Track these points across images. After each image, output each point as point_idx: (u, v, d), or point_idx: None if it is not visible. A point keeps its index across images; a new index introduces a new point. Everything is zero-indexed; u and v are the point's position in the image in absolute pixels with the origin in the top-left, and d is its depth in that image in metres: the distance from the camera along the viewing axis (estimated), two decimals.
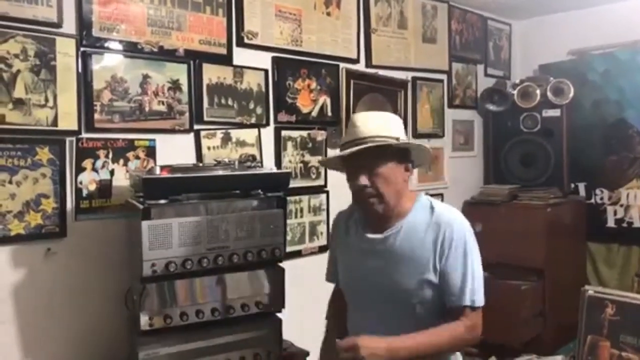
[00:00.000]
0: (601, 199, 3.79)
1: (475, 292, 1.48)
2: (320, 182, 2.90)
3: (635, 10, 3.60)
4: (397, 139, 1.48)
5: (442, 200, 3.59)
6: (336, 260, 1.73)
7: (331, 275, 1.78)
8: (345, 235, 1.68)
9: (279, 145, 2.70)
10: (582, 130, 3.73)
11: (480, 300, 1.50)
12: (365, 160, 1.47)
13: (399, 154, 1.51)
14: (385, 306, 1.53)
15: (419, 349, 1.42)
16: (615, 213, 3.74)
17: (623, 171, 3.70)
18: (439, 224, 1.51)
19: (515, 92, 3.72)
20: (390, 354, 1.37)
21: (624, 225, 3.70)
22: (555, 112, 3.62)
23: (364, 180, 1.48)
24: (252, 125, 2.58)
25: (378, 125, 1.49)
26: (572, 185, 3.83)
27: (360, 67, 3.09)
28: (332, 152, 2.96)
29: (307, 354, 2.35)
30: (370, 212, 1.55)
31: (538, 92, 3.63)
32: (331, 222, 2.90)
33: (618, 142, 3.70)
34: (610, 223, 3.75)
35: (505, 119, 3.79)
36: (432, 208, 1.55)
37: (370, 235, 1.58)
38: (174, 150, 2.29)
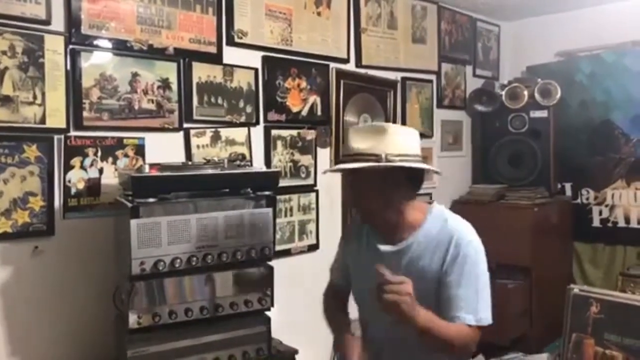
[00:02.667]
0: (587, 199, 3.84)
1: (480, 310, 1.47)
2: (310, 181, 2.91)
3: (622, 12, 3.65)
4: (384, 156, 1.43)
5: (431, 199, 3.62)
6: (345, 265, 1.75)
7: (336, 274, 1.82)
8: (357, 244, 1.68)
9: (269, 145, 2.71)
10: (569, 131, 3.77)
11: (486, 319, 1.48)
12: (348, 176, 1.54)
13: (391, 169, 1.46)
14: (393, 319, 1.47)
15: (432, 326, 1.39)
16: (600, 213, 3.79)
17: (609, 172, 3.75)
18: (450, 237, 1.49)
19: (503, 92, 3.76)
20: (414, 312, 1.34)
21: (609, 225, 3.75)
22: (543, 113, 3.66)
23: (351, 195, 1.56)
24: (241, 124, 2.58)
25: (369, 143, 1.46)
26: (559, 186, 3.88)
27: (350, 67, 3.10)
28: (322, 152, 2.97)
29: (296, 352, 2.36)
30: (371, 224, 1.61)
31: (526, 93, 3.66)
32: (322, 222, 2.93)
33: (604, 143, 3.75)
34: (596, 223, 3.80)
35: (494, 120, 3.82)
36: (445, 220, 1.53)
37: (381, 247, 1.57)
38: (163, 149, 2.28)
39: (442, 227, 1.51)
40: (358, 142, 1.47)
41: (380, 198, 1.50)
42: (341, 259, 1.79)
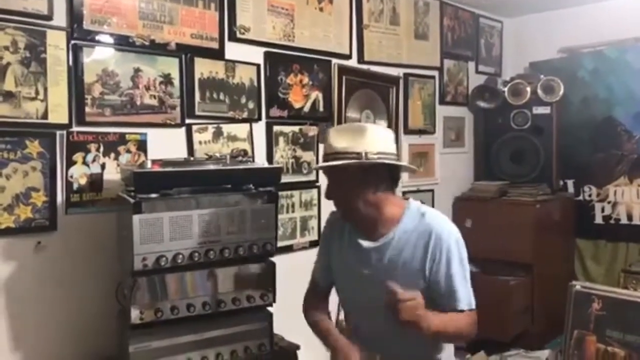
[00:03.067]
0: (589, 195, 3.83)
1: (468, 296, 1.55)
2: (312, 177, 2.90)
3: (625, 8, 3.64)
4: (364, 154, 1.49)
5: (433, 196, 3.62)
6: (326, 261, 1.76)
7: (319, 274, 1.82)
8: (339, 238, 1.70)
9: (271, 140, 2.70)
10: (572, 128, 3.76)
11: (474, 303, 1.56)
12: (330, 174, 1.58)
13: (366, 166, 1.52)
14: (379, 314, 1.52)
15: (443, 327, 1.48)
16: (603, 210, 3.78)
17: (611, 168, 3.74)
18: (429, 231, 1.54)
19: (506, 89, 3.75)
20: (428, 321, 1.42)
21: (612, 222, 3.74)
22: (545, 110, 3.65)
23: (328, 192, 1.60)
24: (243, 120, 2.58)
25: (349, 142, 1.51)
26: (561, 182, 3.87)
27: (353, 63, 3.10)
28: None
29: (297, 347, 2.36)
30: (351, 221, 1.63)
31: (528, 89, 3.66)
32: (323, 218, 2.92)
33: (606, 139, 3.74)
34: (598, 220, 3.80)
35: (496, 116, 3.81)
36: (422, 215, 1.58)
37: (363, 243, 1.60)
38: (165, 145, 2.28)
39: (420, 221, 1.56)
40: (338, 141, 1.52)
41: (360, 195, 1.54)
42: (323, 257, 1.80)
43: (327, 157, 1.56)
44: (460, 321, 1.52)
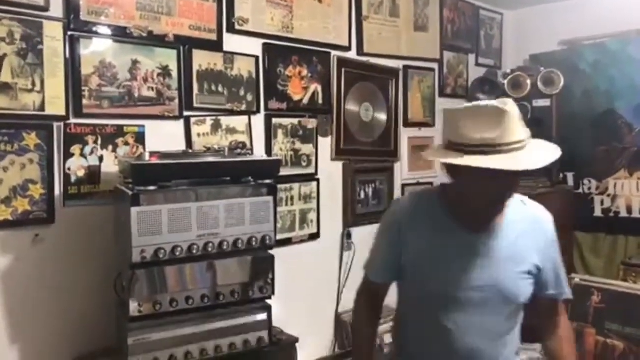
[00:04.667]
0: (589, 188, 3.82)
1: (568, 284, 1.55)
2: (311, 170, 2.89)
3: (626, 0, 3.61)
4: (524, 144, 1.35)
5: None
6: (394, 254, 1.50)
7: (381, 273, 1.55)
8: (429, 229, 1.47)
9: (270, 133, 2.69)
10: (572, 121, 3.74)
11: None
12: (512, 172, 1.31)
13: None
14: (477, 307, 1.43)
15: None
16: (602, 203, 3.77)
17: (611, 161, 3.72)
18: (535, 218, 1.50)
19: (506, 81, 3.72)
20: None
21: (611, 215, 3.74)
22: (546, 102, 3.62)
23: (511, 191, 1.39)
24: (242, 113, 2.56)
25: (496, 130, 1.31)
26: (561, 175, 3.86)
27: (352, 55, 3.08)
28: (323, 141, 2.95)
29: (296, 340, 2.36)
30: (489, 213, 1.44)
31: (529, 82, 3.63)
32: (323, 211, 2.92)
33: (607, 132, 3.72)
34: (598, 213, 3.79)
35: None
36: (522, 202, 1.51)
37: (470, 233, 1.44)
38: (164, 137, 2.27)
39: (523, 209, 1.50)
40: (480, 131, 1.30)
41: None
42: (389, 249, 1.52)
43: (471, 150, 1.30)
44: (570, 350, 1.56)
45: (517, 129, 1.34)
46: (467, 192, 1.41)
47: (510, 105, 1.36)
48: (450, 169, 1.39)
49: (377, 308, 1.60)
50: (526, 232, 1.47)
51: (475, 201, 1.41)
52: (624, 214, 3.69)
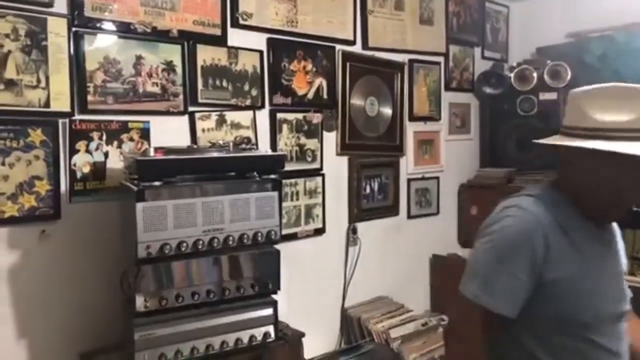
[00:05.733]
0: None
1: None
2: (316, 165, 2.89)
3: None
4: None
5: (438, 183, 3.60)
6: (531, 278, 1.24)
7: (512, 307, 1.25)
8: (568, 246, 1.26)
9: (274, 128, 2.68)
10: None
11: None
12: None
13: None
14: (618, 319, 1.29)
15: None
16: None
17: None
18: None
19: (512, 75, 3.70)
20: None
21: None
22: (552, 95, 3.60)
23: None
24: (247, 108, 2.56)
25: (634, 112, 1.17)
26: None
27: (357, 49, 3.06)
28: (328, 135, 2.94)
29: (302, 335, 2.37)
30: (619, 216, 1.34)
31: (535, 75, 3.61)
32: (328, 205, 2.91)
33: None
34: None
35: (502, 102, 3.77)
36: None
37: (604, 235, 1.33)
38: (168, 132, 2.27)
39: None
40: (618, 114, 1.16)
41: None
42: (530, 272, 1.24)
43: (611, 135, 1.17)
44: None
45: None
46: (615, 184, 1.24)
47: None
48: (587, 160, 1.24)
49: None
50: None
51: (629, 195, 1.25)
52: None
